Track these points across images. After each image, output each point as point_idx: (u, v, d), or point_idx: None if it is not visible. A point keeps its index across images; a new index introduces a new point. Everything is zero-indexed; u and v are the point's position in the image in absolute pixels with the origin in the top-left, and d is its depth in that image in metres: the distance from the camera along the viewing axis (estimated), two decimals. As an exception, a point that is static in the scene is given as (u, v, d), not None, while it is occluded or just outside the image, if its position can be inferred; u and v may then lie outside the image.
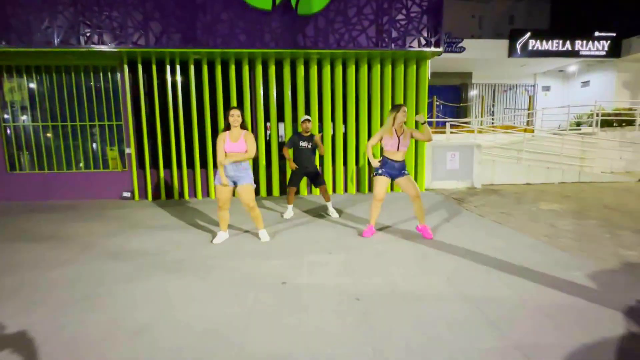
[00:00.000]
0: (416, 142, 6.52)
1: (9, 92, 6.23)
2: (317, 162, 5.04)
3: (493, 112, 14.51)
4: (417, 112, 6.46)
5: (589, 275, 2.77)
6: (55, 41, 5.42)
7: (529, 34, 11.61)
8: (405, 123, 3.68)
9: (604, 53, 11.80)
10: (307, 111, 6.39)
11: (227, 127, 3.56)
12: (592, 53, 11.79)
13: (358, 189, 6.76)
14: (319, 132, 5.85)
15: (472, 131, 9.61)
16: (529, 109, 13.30)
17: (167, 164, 6.32)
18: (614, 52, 11.72)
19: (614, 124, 10.15)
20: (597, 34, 11.68)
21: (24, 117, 6.32)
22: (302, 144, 4.70)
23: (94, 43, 5.49)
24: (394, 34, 5.82)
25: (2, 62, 5.98)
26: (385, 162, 3.74)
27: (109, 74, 6.26)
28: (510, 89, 14.60)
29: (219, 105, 6.15)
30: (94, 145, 6.43)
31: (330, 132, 6.46)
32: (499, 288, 2.58)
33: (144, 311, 2.31)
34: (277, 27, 5.69)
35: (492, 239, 3.74)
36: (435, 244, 3.59)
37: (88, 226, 4.53)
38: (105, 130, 6.39)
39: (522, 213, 4.94)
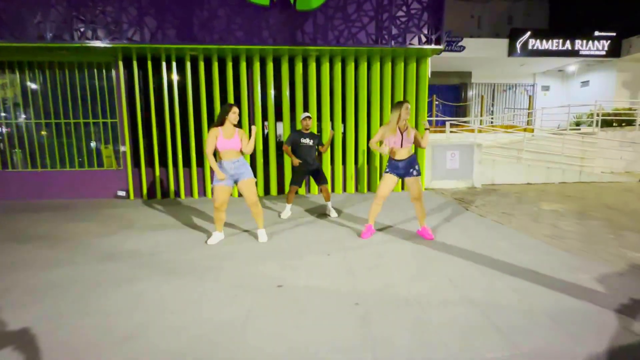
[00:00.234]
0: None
1: (1, 89, 6.10)
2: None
3: (492, 111, 14.45)
4: (417, 111, 6.38)
5: (596, 278, 2.68)
6: (48, 36, 5.30)
7: (529, 33, 11.54)
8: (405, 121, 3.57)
9: (604, 53, 11.74)
10: (306, 110, 6.29)
11: (221, 122, 3.46)
12: (592, 53, 11.73)
13: (357, 189, 6.67)
14: (331, 129, 5.73)
15: (472, 130, 9.53)
16: (529, 109, 13.24)
17: (163, 163, 6.21)
18: (614, 51, 11.67)
19: (614, 124, 10.10)
20: (597, 33, 11.62)
21: (17, 115, 6.19)
22: (303, 141, 4.60)
23: (87, 39, 5.37)
24: (394, 31, 5.72)
25: (-7, 57, 5.86)
26: (389, 161, 3.65)
27: (104, 70, 6.14)
28: (509, 88, 14.55)
29: (215, 103, 6.04)
30: (89, 143, 6.30)
31: (329, 130, 6.36)
32: (503, 291, 2.50)
33: (137, 315, 2.21)
34: (275, 23, 5.58)
35: (495, 240, 3.65)
36: (437, 245, 3.50)
37: (81, 226, 4.42)
38: (99, 128, 6.27)
39: (523, 213, 4.86)
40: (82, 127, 6.22)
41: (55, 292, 2.55)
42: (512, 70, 13.54)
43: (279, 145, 6.45)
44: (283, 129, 6.31)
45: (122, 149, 6.15)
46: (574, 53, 11.71)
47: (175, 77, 5.97)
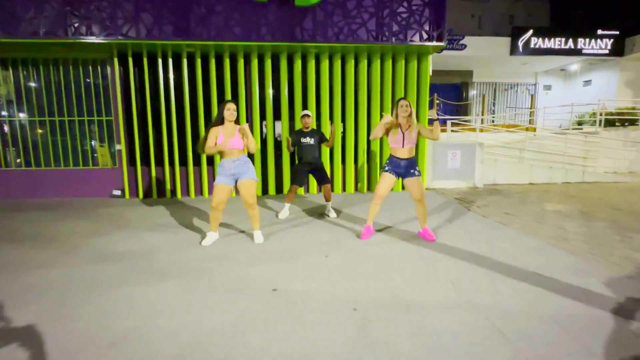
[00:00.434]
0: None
1: (-6, 86, 6.00)
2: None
3: (494, 111, 14.34)
4: (419, 110, 6.26)
5: (604, 282, 2.58)
6: (42, 32, 5.19)
7: (531, 31, 11.42)
8: (409, 116, 3.44)
9: (607, 51, 11.62)
10: (305, 108, 6.18)
11: (221, 121, 3.36)
12: (595, 51, 11.60)
13: (357, 188, 6.56)
14: (331, 124, 5.60)
15: (474, 130, 9.42)
16: (530, 108, 13.12)
17: (159, 161, 6.10)
18: (617, 50, 11.54)
19: (616, 124, 9.98)
20: (600, 32, 11.50)
21: (10, 112, 6.08)
22: (304, 140, 4.49)
23: (81, 34, 5.26)
24: (395, 28, 5.61)
25: (-13, 54, 5.76)
26: (391, 159, 3.53)
27: (99, 67, 6.03)
28: (511, 87, 14.42)
29: (212, 101, 5.93)
30: (83, 141, 6.19)
31: (329, 129, 6.25)
32: (507, 295, 2.39)
33: (124, 320, 2.11)
34: (273, 19, 5.47)
35: (498, 241, 3.54)
36: (438, 247, 3.39)
37: (74, 226, 4.32)
38: (94, 125, 6.16)
39: (527, 214, 4.76)
40: (77, 125, 6.11)
41: (42, 295, 2.44)
42: (513, 69, 13.42)
43: (278, 144, 6.35)
44: (282, 128, 6.19)
45: (117, 147, 6.04)
46: (576, 52, 11.59)
47: (171, 74, 5.86)
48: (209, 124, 3.47)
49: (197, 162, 6.18)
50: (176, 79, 5.95)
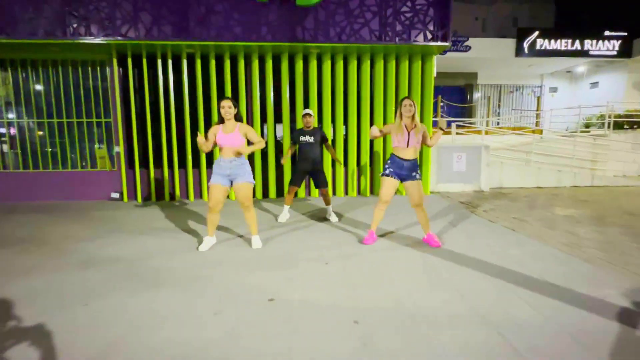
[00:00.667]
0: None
1: (-7, 87, 5.94)
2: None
3: (499, 113, 14.14)
4: (422, 112, 6.12)
5: (624, 293, 2.40)
6: (40, 33, 5.12)
7: (536, 32, 11.24)
8: (413, 116, 3.30)
9: (614, 53, 11.40)
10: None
11: (221, 120, 3.24)
12: (602, 53, 11.39)
13: (359, 192, 6.41)
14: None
15: (479, 132, 9.25)
16: (537, 110, 12.91)
17: (158, 164, 6.00)
18: (625, 52, 11.33)
19: (625, 126, 9.76)
20: (607, 33, 11.29)
21: (9, 114, 6.01)
22: (304, 138, 4.34)
23: (80, 35, 5.18)
24: (399, 27, 5.48)
25: (-15, 55, 5.71)
26: (393, 160, 3.38)
27: (98, 68, 5.96)
28: (516, 90, 14.23)
29: (212, 103, 5.83)
30: (82, 143, 6.10)
31: (331, 131, 6.12)
32: (520, 307, 2.23)
33: (107, 332, 1.97)
34: (274, 19, 5.37)
35: (507, 248, 3.38)
36: (444, 253, 3.23)
37: (68, 229, 4.21)
38: (93, 127, 6.08)
39: (536, 219, 4.58)
40: (76, 126, 6.03)
41: (22, 305, 2.31)
42: (519, 71, 13.23)
43: (278, 146, 6.22)
44: (283, 131, 6.07)
45: (116, 149, 5.95)
46: (583, 53, 11.38)
47: (171, 75, 5.77)
48: (210, 127, 3.37)
49: (196, 165, 6.07)
50: (176, 80, 5.86)
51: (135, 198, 6.00)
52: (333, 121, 6.14)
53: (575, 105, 11.64)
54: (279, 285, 2.57)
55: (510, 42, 11.31)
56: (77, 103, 5.98)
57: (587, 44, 11.30)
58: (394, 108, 6.05)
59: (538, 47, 11.24)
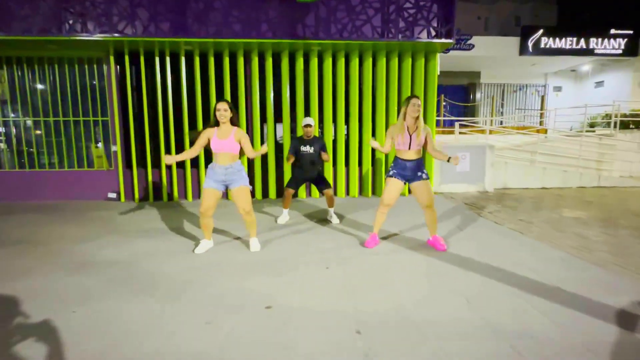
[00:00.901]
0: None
1: (-12, 85, 5.84)
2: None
3: (502, 112, 13.98)
4: (426, 111, 5.98)
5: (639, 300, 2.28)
6: (35, 30, 5.01)
7: (541, 31, 11.08)
8: (417, 117, 3.17)
9: (620, 51, 11.24)
10: (307, 108, 5.93)
11: (216, 123, 3.12)
12: (608, 51, 11.23)
13: (361, 192, 6.28)
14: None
15: (483, 131, 9.11)
16: (541, 109, 12.75)
17: (156, 163, 5.89)
18: (631, 50, 11.15)
19: (631, 126, 9.59)
20: (612, 31, 11.13)
21: (4, 112, 5.91)
22: (304, 148, 4.23)
23: (76, 32, 5.07)
24: (401, 24, 5.35)
25: (-20, 52, 5.60)
26: (396, 161, 3.25)
27: (95, 66, 5.84)
28: (520, 89, 14.06)
29: (211, 101, 5.71)
30: (78, 142, 5.99)
31: (332, 130, 6.00)
32: (532, 316, 2.10)
33: (94, 341, 1.86)
34: (274, 15, 5.24)
35: (515, 252, 3.25)
36: (449, 257, 3.10)
37: (63, 230, 4.10)
38: (90, 126, 5.97)
39: (543, 221, 4.44)
40: (72, 125, 5.92)
41: (8, 310, 2.20)
42: (522, 70, 13.07)
43: (279, 147, 6.10)
44: (283, 131, 5.94)
45: (113, 148, 5.84)
46: (588, 52, 11.22)
47: (169, 73, 5.65)
48: (206, 124, 3.24)
49: (194, 164, 5.95)
50: (174, 78, 5.74)
51: (133, 198, 5.89)
52: (334, 120, 6.01)
53: (579, 104, 11.47)
54: (277, 291, 2.45)
55: (514, 41, 11.15)
56: (73, 101, 5.87)
57: (593, 42, 11.13)
58: (396, 107, 5.92)
59: (542, 45, 11.08)
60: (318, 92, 5.89)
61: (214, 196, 3.12)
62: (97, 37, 5.07)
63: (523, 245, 3.47)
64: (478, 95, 13.80)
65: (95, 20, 5.07)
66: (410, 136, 3.14)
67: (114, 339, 1.88)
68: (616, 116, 8.99)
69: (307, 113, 5.94)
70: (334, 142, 6.03)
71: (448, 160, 3.07)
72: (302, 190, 6.00)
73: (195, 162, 5.93)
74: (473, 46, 10.94)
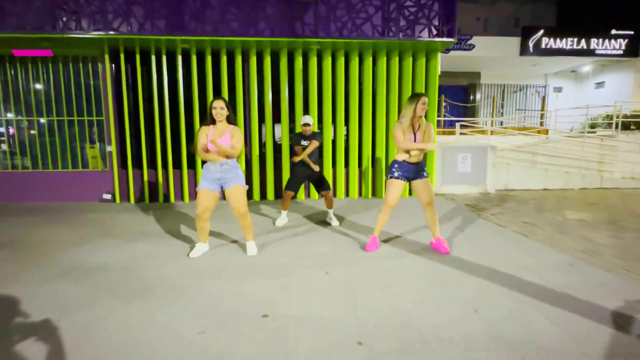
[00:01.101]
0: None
1: (-19, 84, 5.73)
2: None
3: (502, 113, 13.91)
4: (427, 111, 5.88)
5: (656, 308, 2.18)
6: (28, 27, 4.90)
7: (541, 31, 11.01)
8: (420, 117, 3.08)
9: (620, 52, 11.18)
10: (306, 110, 5.82)
11: (212, 121, 3.03)
12: (609, 52, 11.17)
13: (361, 194, 6.18)
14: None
15: (484, 132, 9.02)
16: (542, 110, 12.68)
17: (152, 164, 5.78)
18: (632, 51, 11.10)
19: (632, 127, 9.52)
20: (613, 32, 11.07)
21: (-3, 111, 5.80)
22: (304, 143, 4.14)
23: (70, 29, 4.96)
24: (402, 23, 5.26)
25: (-28, 50, 5.49)
26: (400, 163, 3.14)
27: (90, 64, 5.74)
28: (520, 89, 13.99)
29: (208, 101, 5.59)
30: (73, 142, 5.88)
31: (332, 131, 5.90)
32: (542, 325, 2.00)
33: (77, 353, 1.75)
34: (273, 13, 5.15)
35: (520, 256, 3.15)
36: (453, 261, 3.00)
37: (55, 233, 3.99)
38: (84, 126, 5.86)
39: (547, 223, 4.35)
40: (66, 125, 5.81)
41: (-8, 318, 2.09)
42: (522, 70, 13.01)
43: (277, 147, 6.00)
44: (281, 130, 5.84)
45: (108, 149, 5.73)
46: (589, 52, 11.15)
47: (165, 72, 5.55)
48: (202, 124, 3.15)
49: (191, 165, 5.85)
50: (170, 77, 5.64)
51: (128, 199, 5.78)
52: (334, 121, 5.91)
53: (580, 105, 11.40)
54: (274, 297, 2.35)
55: (515, 41, 11.08)
56: (67, 101, 5.76)
57: (593, 43, 11.07)
58: (396, 107, 5.82)
59: (543, 45, 11.02)
60: (317, 92, 5.79)
61: (209, 198, 3.02)
62: (92, 34, 4.97)
63: (527, 248, 3.37)
64: (478, 95, 13.73)
65: (89, 17, 4.96)
66: (415, 134, 3.05)
67: (100, 349, 1.78)
68: (617, 117, 8.91)
69: (305, 113, 5.84)
70: (334, 142, 5.93)
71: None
72: (301, 192, 5.90)
73: (191, 163, 5.83)
74: (473, 46, 10.87)
